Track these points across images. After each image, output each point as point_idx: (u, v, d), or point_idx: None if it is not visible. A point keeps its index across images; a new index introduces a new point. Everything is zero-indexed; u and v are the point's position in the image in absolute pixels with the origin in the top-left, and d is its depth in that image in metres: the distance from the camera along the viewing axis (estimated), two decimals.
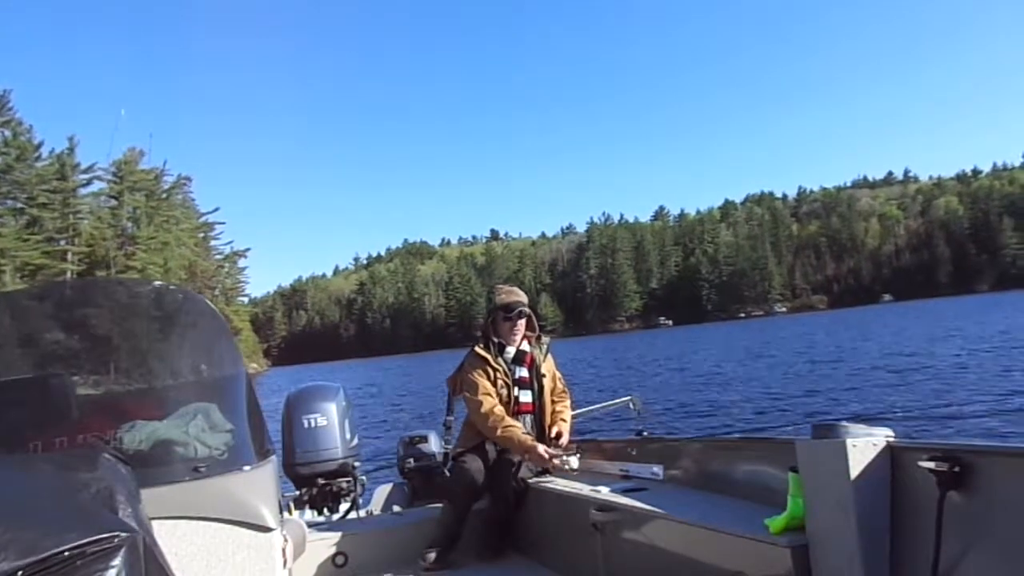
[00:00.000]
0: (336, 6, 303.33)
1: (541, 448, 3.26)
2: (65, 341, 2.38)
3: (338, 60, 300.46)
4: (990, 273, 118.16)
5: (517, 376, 3.52)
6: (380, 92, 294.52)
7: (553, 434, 3.46)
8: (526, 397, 3.52)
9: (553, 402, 3.62)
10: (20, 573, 1.09)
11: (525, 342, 3.61)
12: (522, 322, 3.58)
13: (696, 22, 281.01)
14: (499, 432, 3.32)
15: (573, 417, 3.73)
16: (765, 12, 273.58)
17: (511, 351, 3.55)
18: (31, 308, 2.43)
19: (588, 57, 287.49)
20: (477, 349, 3.57)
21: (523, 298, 3.62)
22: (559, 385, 3.68)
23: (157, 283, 2.21)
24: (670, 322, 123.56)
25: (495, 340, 3.58)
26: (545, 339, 3.69)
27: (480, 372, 3.49)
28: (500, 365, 3.50)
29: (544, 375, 3.57)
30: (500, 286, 3.69)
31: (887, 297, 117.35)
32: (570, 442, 3.49)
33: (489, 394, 3.42)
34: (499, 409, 3.40)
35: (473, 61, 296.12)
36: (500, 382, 3.48)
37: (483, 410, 3.37)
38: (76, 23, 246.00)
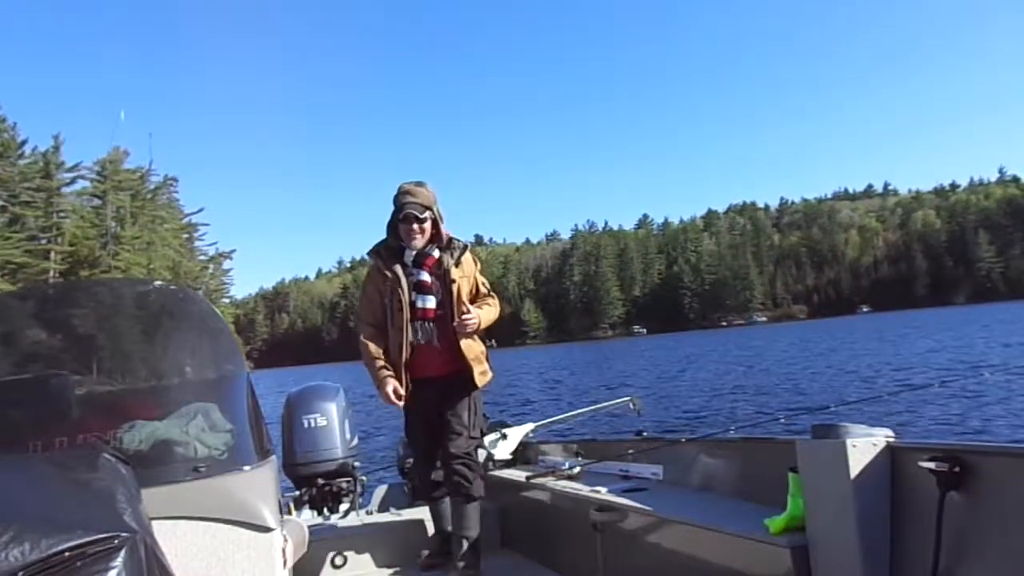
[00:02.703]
0: (326, 11, 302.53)
1: (390, 388, 2.92)
2: (64, 340, 2.37)
3: (326, 64, 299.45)
4: (967, 286, 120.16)
5: (417, 280, 3.03)
6: (367, 95, 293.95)
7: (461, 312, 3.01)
8: (426, 303, 3.03)
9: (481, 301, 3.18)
10: (21, 573, 1.08)
11: (435, 249, 3.09)
12: (419, 226, 3.03)
13: (682, 33, 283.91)
14: (364, 361, 3.06)
15: (573, 417, 3.70)
16: (749, 25, 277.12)
17: (411, 253, 3.07)
18: (29, 308, 2.41)
19: (574, 65, 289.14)
20: (374, 253, 3.15)
21: (419, 197, 3.04)
22: (483, 290, 3.20)
23: (157, 282, 2.21)
24: (644, 330, 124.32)
25: (393, 244, 3.11)
26: (460, 242, 3.16)
27: (370, 287, 3.13)
28: (396, 270, 3.04)
29: (454, 280, 3.05)
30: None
31: (865, 308, 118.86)
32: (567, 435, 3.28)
33: (373, 324, 3.08)
34: (371, 337, 3.06)
35: (459, 68, 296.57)
36: (391, 288, 3.02)
37: (360, 342, 3.08)
38: (66, 24, 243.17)
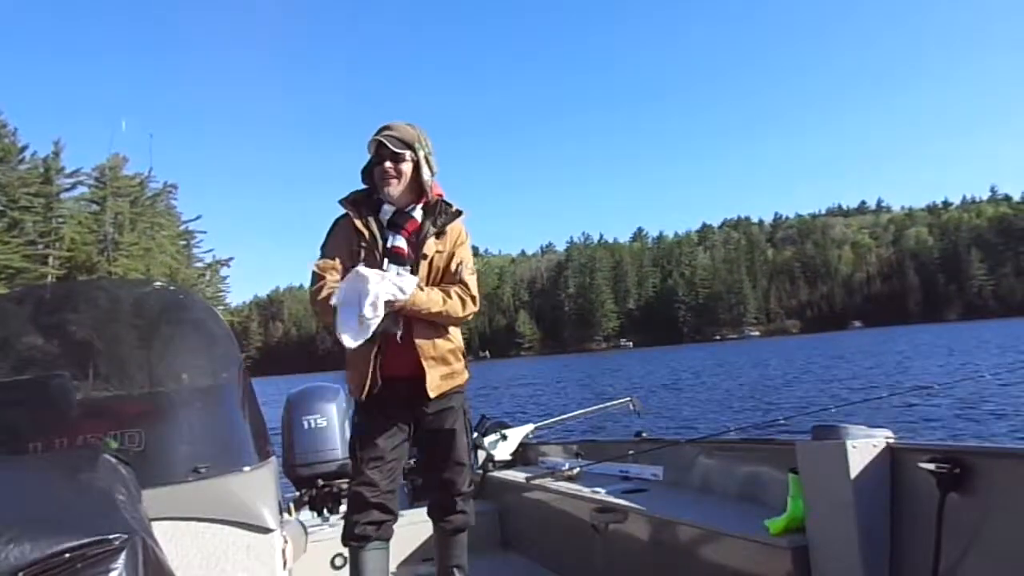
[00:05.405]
0: (323, 22, 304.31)
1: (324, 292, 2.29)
2: (64, 341, 2.36)
3: (324, 74, 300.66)
4: (958, 303, 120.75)
5: (391, 244, 2.36)
6: (363, 106, 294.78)
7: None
8: None
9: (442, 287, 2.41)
10: (21, 574, 1.08)
11: (419, 208, 2.42)
12: (394, 167, 2.35)
13: (677, 47, 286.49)
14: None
15: (573, 417, 3.66)
16: (745, 40, 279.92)
17: (388, 210, 2.40)
18: (28, 310, 2.41)
19: (571, 77, 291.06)
20: (347, 202, 2.45)
21: (399, 131, 2.36)
22: (464, 274, 2.44)
23: (157, 283, 2.20)
24: (630, 344, 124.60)
25: (372, 195, 2.44)
26: (453, 207, 2.46)
27: (337, 239, 2.43)
28: (370, 226, 2.37)
29: (426, 255, 2.38)
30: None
31: (857, 324, 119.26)
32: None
33: (332, 269, 2.38)
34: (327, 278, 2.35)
35: (456, 79, 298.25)
36: (363, 250, 2.35)
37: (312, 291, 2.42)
38: (73, 30, 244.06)
